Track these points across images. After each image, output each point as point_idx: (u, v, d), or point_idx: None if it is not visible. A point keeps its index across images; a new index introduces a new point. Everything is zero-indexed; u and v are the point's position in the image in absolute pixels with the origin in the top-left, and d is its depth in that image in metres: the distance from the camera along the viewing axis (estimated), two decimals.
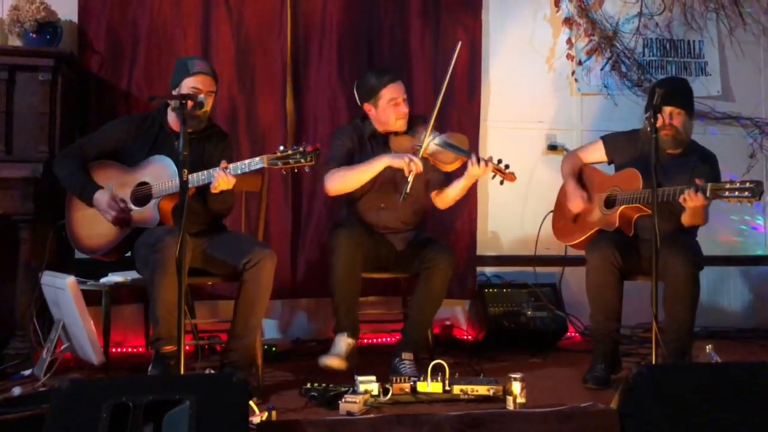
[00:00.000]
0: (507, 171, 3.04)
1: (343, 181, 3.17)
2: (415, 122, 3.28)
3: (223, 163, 2.79)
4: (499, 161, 3.05)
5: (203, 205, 3.06)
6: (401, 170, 3.09)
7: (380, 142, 3.30)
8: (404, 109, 3.24)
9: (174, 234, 2.55)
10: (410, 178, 3.02)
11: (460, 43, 3.20)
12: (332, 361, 3.00)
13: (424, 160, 3.12)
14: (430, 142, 3.12)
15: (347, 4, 4.04)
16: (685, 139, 3.23)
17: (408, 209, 3.29)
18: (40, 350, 3.13)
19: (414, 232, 3.37)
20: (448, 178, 3.30)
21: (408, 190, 3.04)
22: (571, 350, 3.86)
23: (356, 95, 3.33)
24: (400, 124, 3.25)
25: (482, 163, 3.02)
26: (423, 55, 4.14)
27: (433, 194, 3.37)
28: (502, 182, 3.06)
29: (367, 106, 3.28)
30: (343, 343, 3.06)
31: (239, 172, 2.79)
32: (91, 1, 3.73)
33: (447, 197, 3.32)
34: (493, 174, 3.05)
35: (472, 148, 3.31)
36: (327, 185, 3.20)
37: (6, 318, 3.33)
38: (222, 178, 2.77)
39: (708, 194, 2.82)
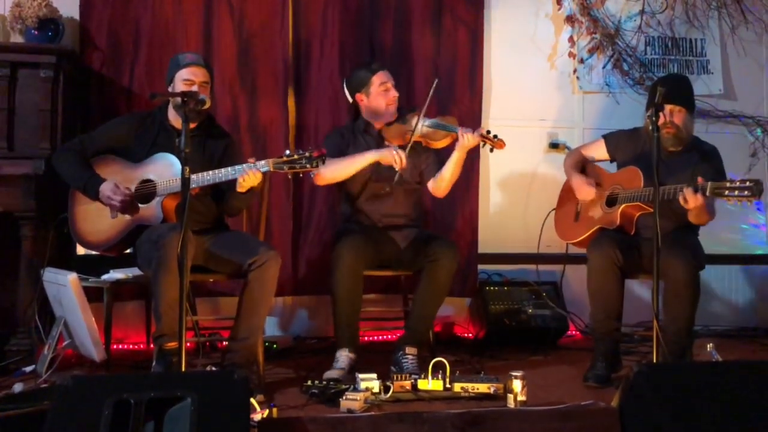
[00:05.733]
0: (496, 139, 3.15)
1: (332, 171, 3.23)
2: (405, 113, 3.39)
3: (251, 160, 2.80)
4: (488, 132, 3.16)
5: (209, 204, 3.07)
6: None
7: (374, 135, 3.38)
8: (394, 94, 3.36)
9: (177, 231, 2.54)
10: (398, 169, 3.14)
11: (436, 81, 3.29)
12: (335, 376, 3.00)
13: (417, 144, 3.25)
14: (422, 126, 3.24)
15: (349, 3, 4.04)
16: (686, 137, 3.24)
17: (407, 199, 3.35)
18: (41, 347, 3.13)
19: (416, 229, 3.39)
20: (442, 165, 3.35)
21: (397, 178, 3.16)
22: (572, 348, 3.86)
23: (347, 91, 3.43)
24: (392, 111, 3.36)
25: (471, 133, 3.15)
26: (425, 54, 4.13)
27: (429, 184, 3.40)
28: (492, 149, 3.17)
29: (359, 96, 3.38)
30: (345, 357, 3.08)
31: (263, 170, 2.79)
32: None
33: (443, 179, 3.32)
34: (482, 143, 3.17)
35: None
36: (316, 177, 3.25)
37: (8, 315, 3.34)
38: (251, 173, 2.77)
39: (708, 193, 2.82)
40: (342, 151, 3.32)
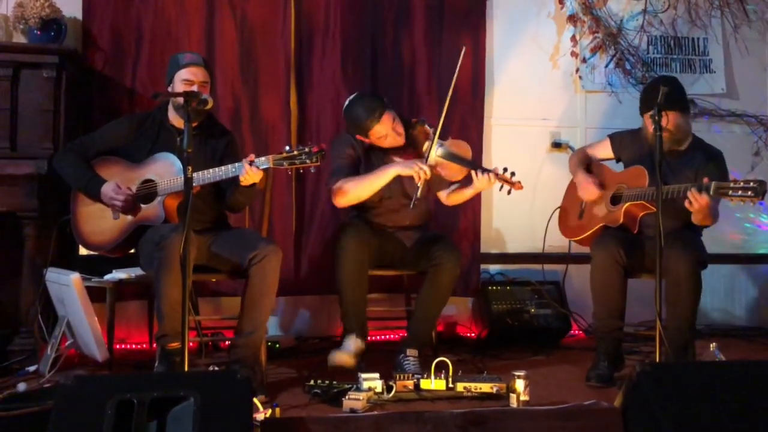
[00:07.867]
0: (513, 180, 3.03)
1: (353, 193, 3.16)
2: (412, 128, 3.25)
3: (251, 156, 2.79)
4: (505, 170, 3.04)
5: (210, 203, 3.07)
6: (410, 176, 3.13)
7: (382, 154, 3.28)
8: (399, 131, 3.22)
9: (179, 231, 2.55)
10: (420, 185, 3.04)
11: (464, 49, 3.13)
12: (342, 358, 3.01)
13: (429, 167, 3.11)
14: (435, 155, 3.10)
15: (351, 1, 4.04)
16: (684, 136, 3.24)
17: (417, 210, 3.27)
18: (44, 347, 3.14)
19: (422, 230, 3.38)
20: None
21: (418, 195, 3.06)
22: (575, 348, 3.86)
23: (346, 122, 3.30)
24: (399, 142, 3.24)
25: (487, 175, 3.02)
26: (426, 53, 4.13)
27: (440, 194, 3.39)
28: (509, 192, 3.05)
29: (358, 137, 3.25)
30: (353, 343, 3.07)
31: (262, 167, 2.78)
32: None
33: (452, 200, 3.36)
34: (500, 185, 3.04)
35: (475, 152, 3.31)
36: (336, 199, 3.18)
37: (11, 314, 3.35)
38: (251, 172, 2.77)
39: (711, 193, 2.82)
40: (356, 164, 3.23)
